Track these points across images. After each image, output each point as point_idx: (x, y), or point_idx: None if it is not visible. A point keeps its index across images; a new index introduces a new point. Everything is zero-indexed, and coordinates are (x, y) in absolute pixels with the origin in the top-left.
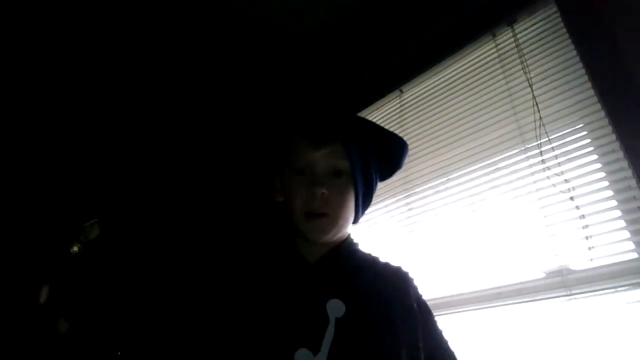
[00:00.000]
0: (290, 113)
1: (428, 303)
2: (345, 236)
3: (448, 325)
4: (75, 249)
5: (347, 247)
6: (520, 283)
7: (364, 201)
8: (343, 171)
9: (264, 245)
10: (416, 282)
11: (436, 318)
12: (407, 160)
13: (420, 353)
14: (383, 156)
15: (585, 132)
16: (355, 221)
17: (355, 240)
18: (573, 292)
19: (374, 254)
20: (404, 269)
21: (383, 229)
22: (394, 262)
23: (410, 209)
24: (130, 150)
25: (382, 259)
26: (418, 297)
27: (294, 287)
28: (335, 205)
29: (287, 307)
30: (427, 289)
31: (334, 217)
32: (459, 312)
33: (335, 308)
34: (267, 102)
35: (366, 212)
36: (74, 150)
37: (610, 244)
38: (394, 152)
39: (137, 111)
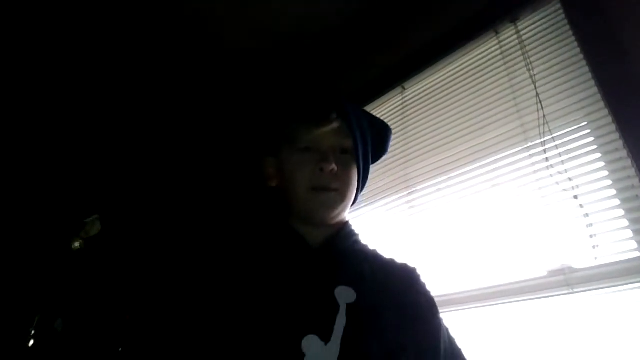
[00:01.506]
0: (291, 95)
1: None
2: (345, 220)
3: (451, 323)
4: (77, 244)
5: (348, 232)
6: (523, 281)
7: (363, 180)
8: (348, 149)
9: (264, 231)
10: (424, 279)
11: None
12: (408, 157)
13: (430, 344)
14: (374, 139)
15: (588, 130)
16: (354, 201)
17: (354, 229)
18: (575, 290)
19: (374, 247)
20: (411, 265)
21: (384, 227)
22: (399, 259)
23: (411, 207)
24: (131, 146)
25: (384, 254)
26: (426, 293)
27: (299, 272)
28: (344, 180)
29: (293, 293)
30: (430, 286)
31: (342, 192)
32: (461, 309)
33: (345, 294)
34: (266, 97)
35: (368, 210)
36: (76, 146)
37: (613, 243)
38: (383, 136)
39: (135, 107)
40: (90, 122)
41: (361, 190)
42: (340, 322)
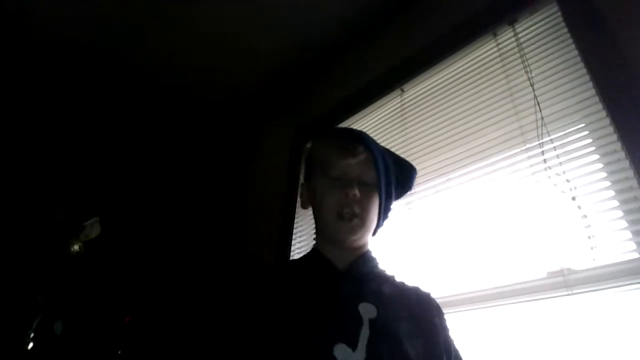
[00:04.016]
0: (324, 129)
1: None
2: (367, 246)
3: (450, 324)
4: (76, 247)
5: (368, 257)
6: (522, 283)
7: (384, 214)
8: (371, 182)
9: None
10: (438, 302)
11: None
12: (407, 159)
13: (440, 356)
14: (398, 178)
15: (586, 132)
16: (374, 232)
17: (374, 255)
18: (574, 291)
19: (391, 272)
20: (423, 290)
21: (383, 228)
22: (410, 283)
23: (410, 209)
24: (133, 148)
25: (398, 278)
26: (440, 315)
27: (328, 291)
28: (365, 207)
29: (324, 309)
30: (428, 288)
31: (362, 218)
32: (460, 311)
33: (368, 310)
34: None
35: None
36: (75, 149)
37: (612, 244)
38: (406, 175)
39: (139, 110)
40: (90, 123)
41: (382, 223)
42: (365, 333)
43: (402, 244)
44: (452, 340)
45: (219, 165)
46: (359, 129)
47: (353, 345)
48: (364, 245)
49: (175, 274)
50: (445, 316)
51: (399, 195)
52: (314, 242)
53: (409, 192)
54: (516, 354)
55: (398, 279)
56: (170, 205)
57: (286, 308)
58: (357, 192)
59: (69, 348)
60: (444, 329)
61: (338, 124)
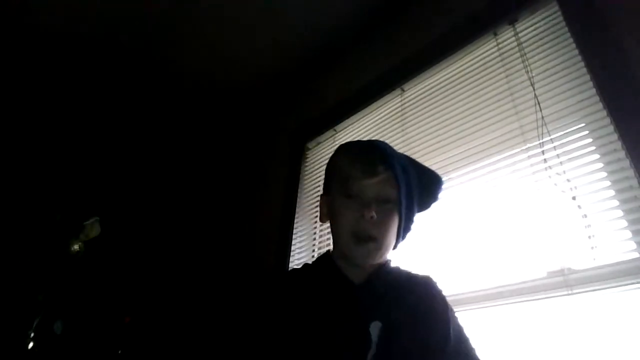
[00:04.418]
0: (347, 143)
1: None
2: (385, 260)
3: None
4: (76, 247)
5: (386, 269)
6: (522, 282)
7: (405, 229)
8: (391, 199)
9: (310, 268)
10: (441, 288)
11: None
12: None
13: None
14: (422, 189)
15: (587, 132)
16: (394, 247)
17: (392, 266)
18: (574, 291)
19: (400, 267)
20: (431, 279)
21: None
22: (419, 272)
23: None
24: (132, 148)
25: (407, 269)
26: (447, 305)
27: (339, 306)
28: (382, 229)
29: (333, 326)
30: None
31: (380, 241)
32: (460, 311)
33: (378, 328)
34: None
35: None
36: (75, 148)
37: (612, 244)
38: (432, 185)
39: (138, 109)
40: (90, 123)
41: (402, 239)
42: (371, 353)
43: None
44: (456, 327)
45: (219, 164)
46: (376, 139)
47: None
48: (382, 261)
49: (175, 273)
50: (452, 308)
51: (423, 207)
52: (331, 250)
53: (435, 203)
54: (517, 353)
55: (411, 275)
56: (170, 205)
57: (295, 322)
58: (374, 214)
59: (69, 348)
60: (446, 318)
61: (338, 123)
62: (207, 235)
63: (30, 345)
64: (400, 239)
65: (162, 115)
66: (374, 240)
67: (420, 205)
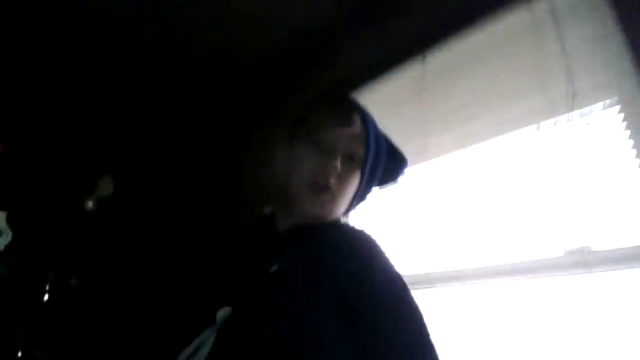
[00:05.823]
0: (323, 90)
1: (444, 272)
2: (334, 219)
3: (467, 296)
4: (90, 204)
5: (323, 224)
6: (539, 260)
7: (361, 195)
8: (356, 157)
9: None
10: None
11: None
12: (426, 129)
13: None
14: (388, 163)
15: (618, 107)
16: (345, 212)
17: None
18: (593, 270)
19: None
20: (365, 236)
21: (399, 200)
22: (358, 228)
23: (427, 180)
24: (146, 103)
25: (349, 226)
26: (348, 261)
27: (253, 251)
28: (341, 184)
29: (235, 270)
30: (447, 260)
31: (335, 195)
32: (475, 284)
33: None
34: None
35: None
36: (88, 104)
37: (633, 225)
38: (397, 164)
39: (152, 67)
40: (103, 77)
41: (354, 206)
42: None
43: (420, 217)
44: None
45: (231, 130)
46: (370, 98)
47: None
48: (328, 219)
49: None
50: (452, 271)
51: (382, 184)
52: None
53: (392, 184)
54: (532, 329)
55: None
56: (184, 163)
57: (219, 264)
58: (338, 165)
59: (84, 300)
60: (333, 273)
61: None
62: (216, 195)
63: (46, 297)
64: (355, 203)
65: (170, 83)
66: (330, 192)
67: (381, 180)
